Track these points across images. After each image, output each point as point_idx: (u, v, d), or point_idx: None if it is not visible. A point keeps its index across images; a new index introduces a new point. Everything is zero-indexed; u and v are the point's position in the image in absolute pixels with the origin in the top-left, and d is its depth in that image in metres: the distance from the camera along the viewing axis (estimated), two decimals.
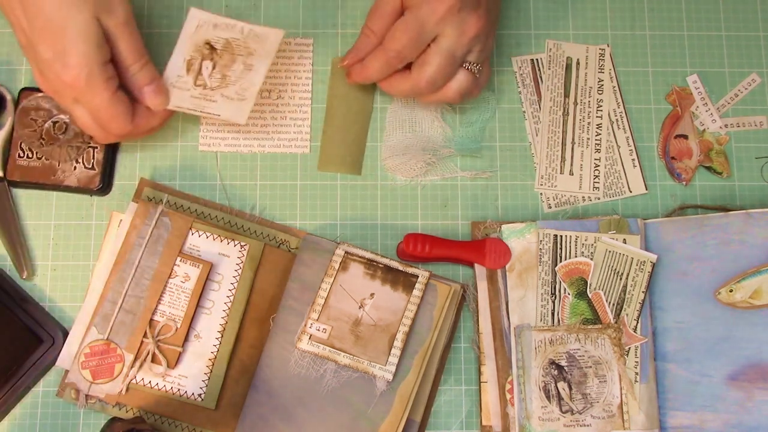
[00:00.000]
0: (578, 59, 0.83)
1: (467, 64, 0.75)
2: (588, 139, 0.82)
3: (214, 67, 0.76)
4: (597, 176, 0.81)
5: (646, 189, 0.81)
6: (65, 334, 0.76)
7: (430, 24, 0.72)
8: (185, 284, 0.75)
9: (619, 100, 0.83)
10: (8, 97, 0.79)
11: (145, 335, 0.74)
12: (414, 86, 0.75)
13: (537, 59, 0.83)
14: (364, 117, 0.82)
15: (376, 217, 0.80)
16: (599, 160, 0.82)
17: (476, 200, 0.81)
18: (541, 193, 0.81)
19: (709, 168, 0.82)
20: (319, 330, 0.74)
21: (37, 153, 0.78)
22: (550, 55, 0.83)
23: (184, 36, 0.75)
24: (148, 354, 0.74)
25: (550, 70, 0.83)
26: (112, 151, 0.79)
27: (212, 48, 0.76)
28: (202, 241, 0.76)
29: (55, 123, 0.77)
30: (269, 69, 0.77)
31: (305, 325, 0.74)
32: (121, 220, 0.77)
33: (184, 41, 0.75)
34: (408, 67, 0.75)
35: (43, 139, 0.78)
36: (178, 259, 0.75)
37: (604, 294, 0.76)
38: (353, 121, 0.81)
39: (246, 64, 0.77)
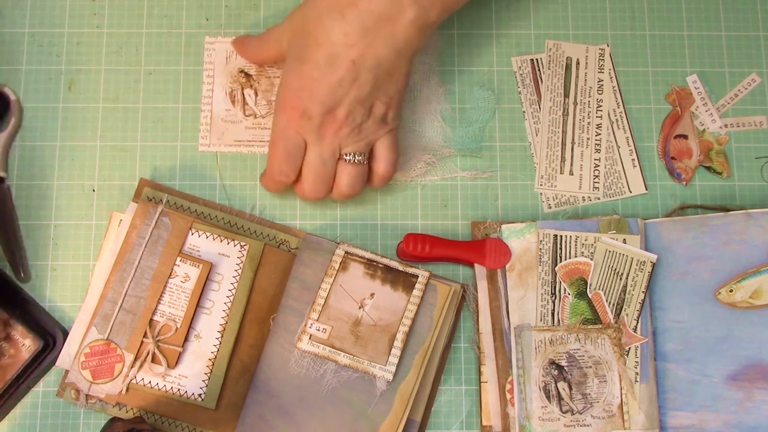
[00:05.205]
0: (578, 59, 0.83)
1: (348, 156, 0.73)
2: (588, 139, 0.82)
3: (256, 95, 0.79)
4: (597, 176, 0.81)
5: (646, 189, 0.81)
6: (65, 334, 0.76)
7: (289, 134, 0.72)
8: (185, 284, 0.75)
9: (619, 100, 0.83)
10: (12, 97, 0.79)
11: (145, 335, 0.74)
12: (303, 197, 0.76)
13: (537, 59, 0.83)
14: None
15: (376, 217, 0.80)
16: (599, 160, 0.82)
17: (476, 200, 0.81)
18: (541, 193, 0.81)
19: (709, 168, 0.82)
20: (319, 330, 0.74)
21: None
22: (549, 55, 0.83)
23: (218, 69, 0.79)
24: (148, 354, 0.74)
25: (550, 70, 0.83)
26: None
27: (247, 75, 0.79)
28: (202, 241, 0.76)
29: None
30: None
31: (305, 325, 0.74)
32: (121, 220, 0.77)
33: (219, 74, 0.79)
34: None
35: None
36: (178, 259, 0.75)
37: (604, 294, 0.76)
38: None
39: None
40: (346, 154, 0.73)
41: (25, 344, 0.74)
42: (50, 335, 0.75)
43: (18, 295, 0.76)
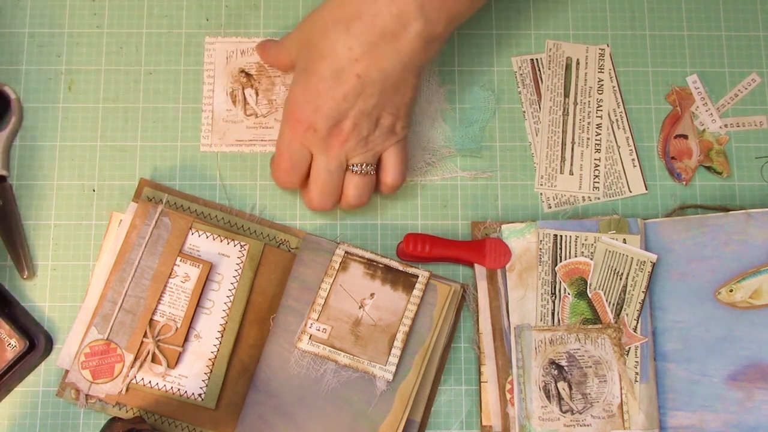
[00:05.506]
0: (578, 59, 0.83)
1: (355, 167, 0.73)
2: (588, 139, 0.82)
3: (257, 94, 0.79)
4: (597, 176, 0.81)
5: (646, 189, 0.81)
6: (48, 338, 0.76)
7: (294, 147, 0.73)
8: (185, 284, 0.75)
9: (619, 100, 0.83)
10: (12, 96, 0.79)
11: (145, 335, 0.74)
12: (311, 208, 0.76)
13: (537, 59, 0.83)
14: None
15: (376, 217, 0.80)
16: (599, 160, 0.82)
17: (476, 200, 0.81)
18: (541, 193, 0.81)
19: (709, 168, 0.82)
20: (319, 330, 0.74)
21: None
22: (549, 55, 0.83)
23: (218, 69, 0.79)
24: (148, 354, 0.74)
25: (550, 70, 0.83)
26: None
27: (248, 75, 0.79)
28: (202, 241, 0.76)
29: None
30: None
31: (305, 325, 0.74)
32: (121, 220, 0.77)
33: (219, 74, 0.79)
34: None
35: None
36: (178, 259, 0.75)
37: (604, 294, 0.76)
38: None
39: (286, 84, 0.78)
40: (353, 165, 0.73)
41: (11, 344, 0.74)
42: (34, 337, 0.75)
43: (4, 296, 0.76)
